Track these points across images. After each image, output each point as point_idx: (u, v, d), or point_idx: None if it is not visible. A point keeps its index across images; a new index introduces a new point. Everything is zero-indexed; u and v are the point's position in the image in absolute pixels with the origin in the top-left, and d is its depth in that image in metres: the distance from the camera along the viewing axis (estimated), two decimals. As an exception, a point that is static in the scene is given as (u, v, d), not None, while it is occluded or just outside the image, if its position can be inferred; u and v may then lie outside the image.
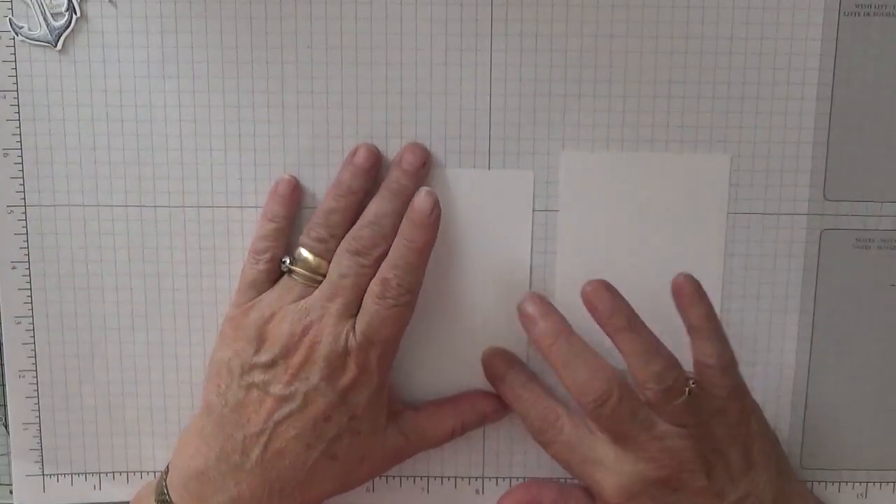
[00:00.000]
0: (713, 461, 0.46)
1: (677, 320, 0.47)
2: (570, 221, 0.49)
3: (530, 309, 0.48)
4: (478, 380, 0.51)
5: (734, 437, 0.46)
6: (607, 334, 0.46)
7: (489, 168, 0.49)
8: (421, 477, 0.52)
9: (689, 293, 0.46)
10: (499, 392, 0.50)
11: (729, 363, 0.46)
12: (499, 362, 0.50)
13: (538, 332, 0.47)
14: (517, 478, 0.52)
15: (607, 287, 0.46)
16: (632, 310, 0.46)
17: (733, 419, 0.46)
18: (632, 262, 0.50)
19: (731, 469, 0.46)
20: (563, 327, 0.47)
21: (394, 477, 0.52)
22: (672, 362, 0.45)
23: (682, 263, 0.49)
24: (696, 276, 0.47)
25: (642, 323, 0.46)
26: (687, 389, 0.45)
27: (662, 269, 0.49)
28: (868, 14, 0.47)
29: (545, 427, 0.48)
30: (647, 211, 0.49)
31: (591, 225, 0.49)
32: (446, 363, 0.51)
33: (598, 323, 0.46)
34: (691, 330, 0.46)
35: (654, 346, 0.45)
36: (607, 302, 0.46)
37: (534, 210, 0.49)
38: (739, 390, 0.46)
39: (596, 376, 0.45)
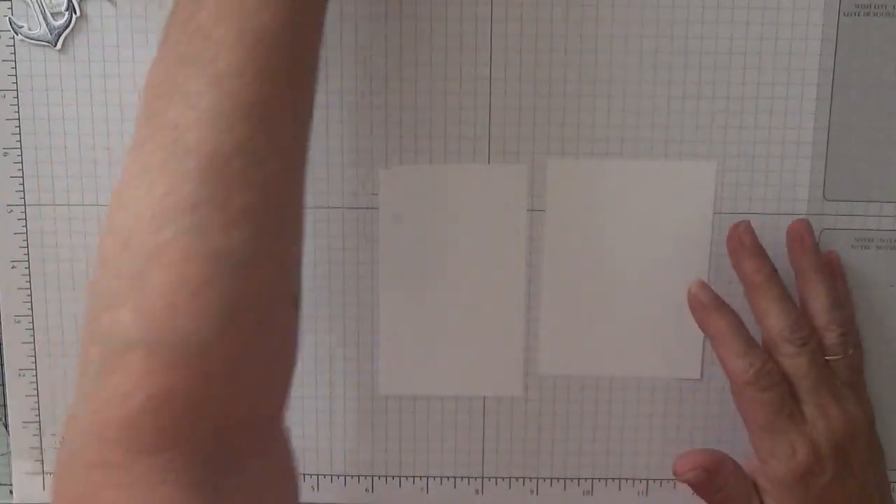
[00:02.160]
0: (872, 436, 0.47)
1: (667, 324, 0.48)
2: (558, 225, 0.49)
3: (746, 240, 0.48)
4: (471, 374, 0.51)
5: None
6: (797, 272, 0.48)
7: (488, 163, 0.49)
8: (421, 477, 0.52)
9: (838, 270, 0.49)
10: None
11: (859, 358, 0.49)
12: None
13: (752, 266, 0.47)
14: (517, 478, 0.52)
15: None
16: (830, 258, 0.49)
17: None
18: (622, 264, 0.50)
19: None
20: (775, 269, 0.48)
21: (393, 477, 0.52)
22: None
23: (670, 267, 0.49)
24: (688, 279, 0.49)
25: (839, 272, 0.49)
26: (850, 349, 0.47)
27: (653, 271, 0.49)
28: (868, 14, 0.47)
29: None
30: (637, 217, 0.49)
31: (579, 229, 0.49)
32: (441, 358, 0.51)
33: (793, 256, 0.48)
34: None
35: (839, 299, 0.48)
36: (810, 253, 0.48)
37: (530, 210, 0.49)
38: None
39: (802, 318, 0.47)
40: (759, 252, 0.48)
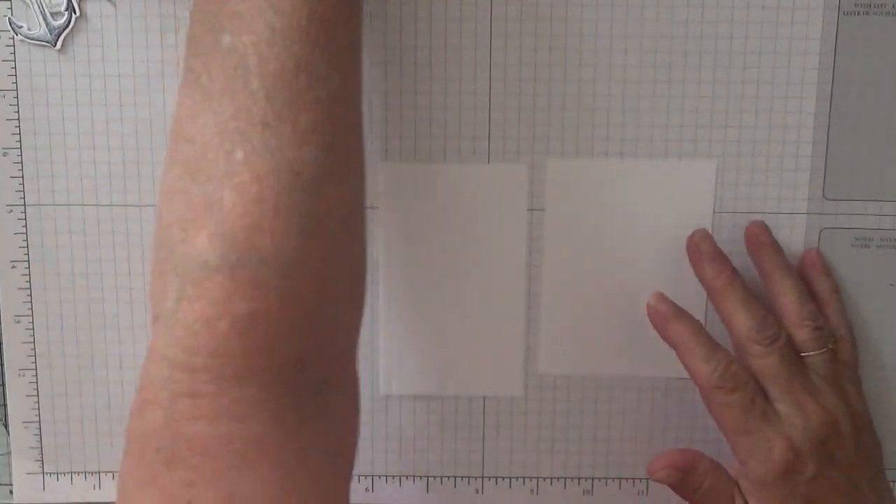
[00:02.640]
0: (861, 431, 0.46)
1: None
2: (558, 225, 0.49)
3: (704, 247, 0.48)
4: (471, 374, 0.51)
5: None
6: (762, 273, 0.48)
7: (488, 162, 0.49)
8: (421, 477, 0.52)
9: (820, 267, 0.49)
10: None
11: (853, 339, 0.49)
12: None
13: (712, 271, 0.47)
14: (517, 478, 0.52)
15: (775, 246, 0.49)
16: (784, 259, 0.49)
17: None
18: (622, 264, 0.50)
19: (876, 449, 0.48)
20: (735, 271, 0.47)
21: (393, 477, 0.52)
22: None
23: (670, 266, 0.49)
24: (688, 278, 0.48)
25: (822, 269, 0.49)
26: (830, 344, 0.47)
27: (653, 271, 0.49)
28: (867, 13, 0.47)
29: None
30: (637, 216, 0.49)
31: (579, 229, 0.49)
32: (441, 358, 0.51)
33: (755, 258, 0.48)
34: (821, 304, 0.48)
35: (807, 294, 0.47)
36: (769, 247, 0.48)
37: (530, 209, 0.49)
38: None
39: (769, 316, 0.46)
40: (719, 256, 0.48)
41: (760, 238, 0.48)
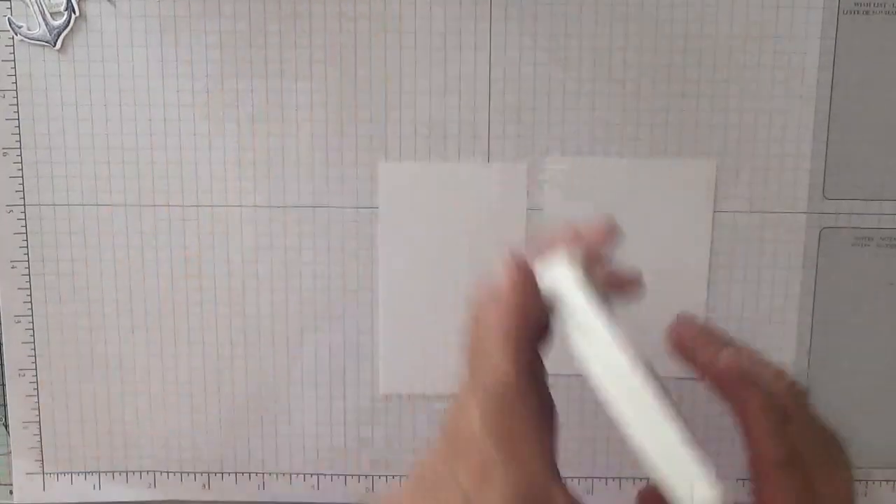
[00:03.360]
0: None
1: (667, 323, 0.47)
2: (557, 224, 0.49)
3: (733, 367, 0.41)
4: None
5: None
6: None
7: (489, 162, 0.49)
8: (421, 477, 0.52)
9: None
10: None
11: None
12: None
13: (725, 359, 0.41)
14: (517, 477, 0.52)
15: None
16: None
17: None
18: (620, 262, 0.50)
19: None
20: (729, 340, 0.41)
21: (393, 477, 0.52)
22: None
23: (669, 266, 0.49)
24: (687, 277, 0.48)
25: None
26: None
27: (652, 271, 0.49)
28: (867, 12, 0.47)
29: None
30: (636, 216, 0.49)
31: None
32: (441, 358, 0.51)
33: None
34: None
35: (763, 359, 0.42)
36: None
37: (529, 209, 0.49)
38: None
39: (779, 369, 0.41)
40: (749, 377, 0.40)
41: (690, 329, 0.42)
